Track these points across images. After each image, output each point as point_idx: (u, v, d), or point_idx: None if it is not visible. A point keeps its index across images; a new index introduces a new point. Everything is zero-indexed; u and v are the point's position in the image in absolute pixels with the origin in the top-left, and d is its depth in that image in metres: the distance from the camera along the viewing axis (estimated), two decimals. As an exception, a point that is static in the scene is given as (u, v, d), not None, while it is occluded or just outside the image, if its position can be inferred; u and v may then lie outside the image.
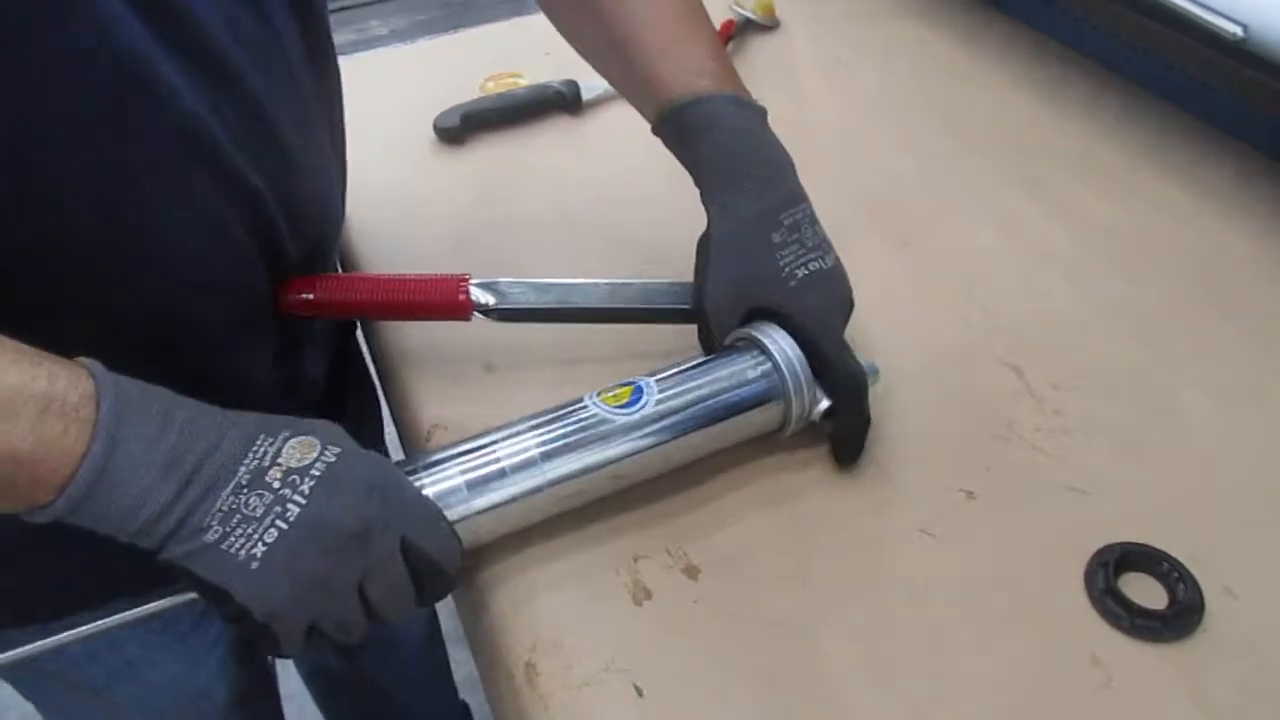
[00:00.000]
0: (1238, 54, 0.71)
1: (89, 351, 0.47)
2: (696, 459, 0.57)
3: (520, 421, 0.54)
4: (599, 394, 0.54)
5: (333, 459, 0.47)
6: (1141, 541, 0.54)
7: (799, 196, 0.59)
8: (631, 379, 0.55)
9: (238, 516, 0.44)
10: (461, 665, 1.24)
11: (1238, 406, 0.62)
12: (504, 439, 0.52)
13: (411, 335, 0.69)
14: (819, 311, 0.56)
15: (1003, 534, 0.56)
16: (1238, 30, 0.70)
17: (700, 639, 0.51)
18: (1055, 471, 0.59)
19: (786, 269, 0.57)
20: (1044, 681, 0.49)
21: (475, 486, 0.51)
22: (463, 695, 1.30)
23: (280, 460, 0.46)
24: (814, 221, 0.59)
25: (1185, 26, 0.74)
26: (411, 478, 0.51)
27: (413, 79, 0.96)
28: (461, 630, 0.62)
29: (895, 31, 1.02)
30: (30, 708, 0.76)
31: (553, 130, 0.89)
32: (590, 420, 0.53)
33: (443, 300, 0.64)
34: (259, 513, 0.44)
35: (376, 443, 0.89)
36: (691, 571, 0.54)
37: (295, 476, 0.45)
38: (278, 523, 0.44)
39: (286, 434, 0.47)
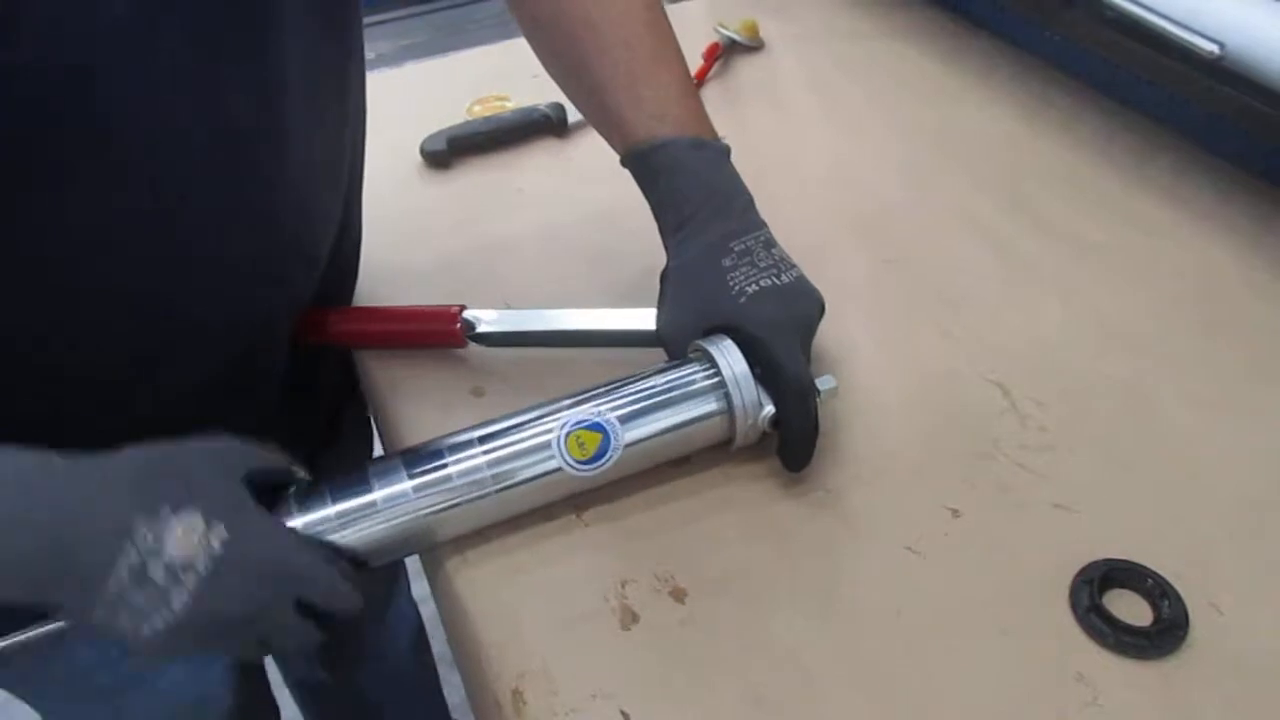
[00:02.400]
0: (1215, 72, 0.72)
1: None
2: (648, 466, 0.58)
3: (473, 429, 0.55)
4: (566, 438, 0.55)
5: (218, 548, 0.46)
6: (1126, 558, 0.54)
7: (752, 225, 0.61)
8: (600, 422, 0.55)
9: (122, 607, 0.45)
10: (457, 688, 1.24)
11: (1222, 421, 0.63)
12: (453, 447, 0.54)
13: (400, 360, 0.69)
14: (769, 322, 0.57)
15: (988, 552, 0.56)
16: (1214, 48, 0.70)
17: (688, 662, 0.51)
18: (1040, 489, 0.59)
19: (736, 287, 0.58)
20: (1030, 700, 0.49)
21: (421, 490, 0.53)
22: (459, 718, 1.30)
23: (163, 552, 0.45)
24: (769, 245, 0.60)
25: (1163, 45, 0.74)
26: (361, 486, 0.53)
27: (399, 103, 0.96)
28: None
29: (878, 51, 1.03)
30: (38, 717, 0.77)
31: (539, 153, 0.90)
32: (548, 468, 0.55)
33: (437, 330, 0.67)
34: (142, 604, 0.45)
35: (366, 456, 0.91)
36: (679, 594, 0.54)
37: (178, 571, 0.45)
38: (164, 613, 0.45)
39: (167, 508, 0.45)
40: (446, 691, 1.23)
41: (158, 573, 0.45)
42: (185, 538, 0.45)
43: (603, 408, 0.56)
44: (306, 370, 0.71)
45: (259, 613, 0.48)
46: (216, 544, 0.46)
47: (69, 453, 0.46)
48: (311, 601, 0.50)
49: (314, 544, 0.51)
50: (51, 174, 0.48)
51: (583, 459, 0.55)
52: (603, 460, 0.55)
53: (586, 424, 0.55)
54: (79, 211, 0.50)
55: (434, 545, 0.56)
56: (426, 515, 0.53)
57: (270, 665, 1.03)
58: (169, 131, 0.50)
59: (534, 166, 0.88)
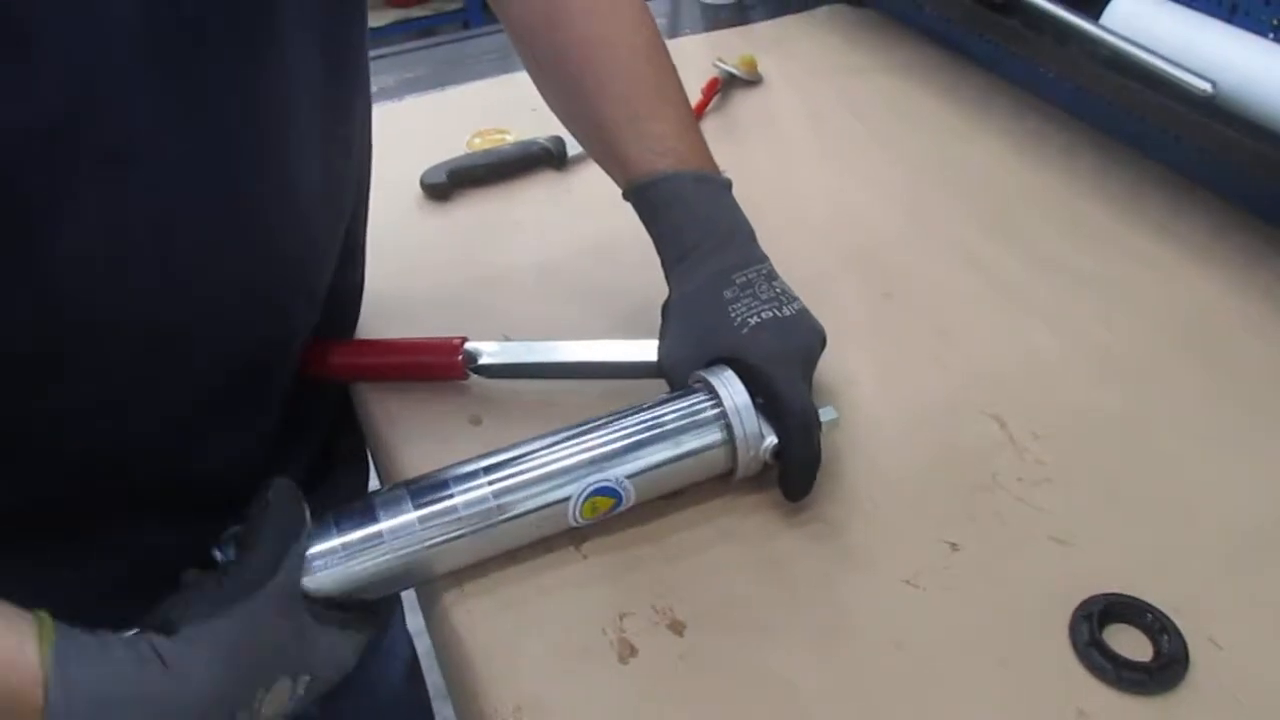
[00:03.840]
0: (1208, 109, 0.73)
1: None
2: (649, 498, 0.58)
3: (477, 460, 0.56)
4: (582, 502, 0.55)
5: (302, 693, 0.49)
6: (1125, 592, 0.54)
7: (754, 259, 0.61)
8: (617, 489, 0.56)
9: None
10: (450, 721, 1.23)
11: (1218, 455, 0.63)
12: (459, 478, 0.54)
13: (397, 392, 0.69)
14: (770, 353, 0.57)
15: (987, 586, 0.56)
16: (1207, 87, 0.71)
17: (686, 696, 0.51)
18: (1038, 522, 0.59)
19: (738, 319, 0.58)
20: (1031, 736, 0.49)
21: (427, 521, 0.53)
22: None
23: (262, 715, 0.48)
24: (772, 278, 0.61)
25: (1157, 83, 0.75)
26: (367, 517, 0.53)
27: (400, 136, 0.97)
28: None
29: (876, 86, 1.04)
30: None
31: (539, 186, 0.90)
32: (554, 499, 0.55)
33: (439, 362, 0.67)
34: None
35: (360, 488, 0.90)
36: (677, 627, 0.54)
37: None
38: None
39: (261, 693, 0.48)
40: (442, 725, 1.22)
41: None
42: (276, 701, 0.48)
43: (608, 447, 0.56)
44: (303, 402, 0.71)
45: None
46: (301, 690, 0.49)
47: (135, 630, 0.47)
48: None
49: (357, 633, 0.53)
50: (56, 201, 0.48)
51: (591, 517, 0.56)
52: (609, 514, 0.57)
53: (603, 490, 0.55)
54: (82, 238, 0.50)
55: (437, 577, 0.56)
56: (432, 546, 0.53)
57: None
58: (171, 160, 0.51)
59: (533, 199, 0.89)
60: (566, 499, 0.55)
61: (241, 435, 0.65)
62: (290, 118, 0.56)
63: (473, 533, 0.54)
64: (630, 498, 0.56)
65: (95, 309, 0.53)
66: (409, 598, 0.68)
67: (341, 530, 0.52)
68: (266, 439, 0.67)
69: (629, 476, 0.56)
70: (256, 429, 0.67)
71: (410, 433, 0.67)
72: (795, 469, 0.57)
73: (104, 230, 0.50)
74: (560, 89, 0.68)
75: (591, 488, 0.55)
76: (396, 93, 1.09)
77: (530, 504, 0.54)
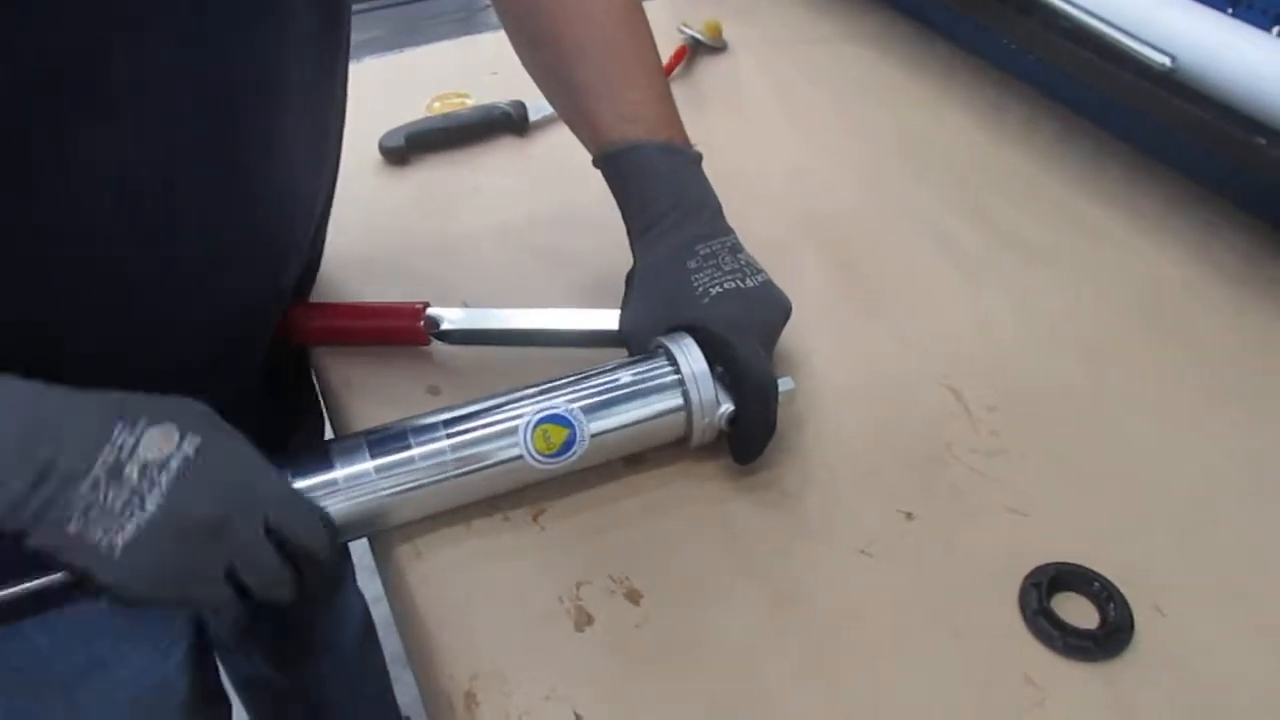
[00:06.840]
0: (1166, 83, 0.73)
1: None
2: (605, 460, 0.59)
3: (438, 413, 0.56)
4: (532, 431, 0.55)
5: (191, 451, 0.47)
6: (1074, 561, 0.55)
7: (719, 231, 0.61)
8: (567, 416, 0.55)
9: (96, 510, 0.45)
10: (410, 687, 1.23)
11: (1169, 427, 0.64)
12: (417, 430, 0.54)
13: (355, 356, 0.69)
14: (730, 322, 0.58)
15: (940, 555, 0.56)
16: (1166, 61, 0.72)
17: (642, 664, 0.51)
18: (992, 492, 0.60)
19: (700, 288, 0.59)
20: (979, 702, 0.50)
21: (383, 470, 0.53)
22: (412, 716, 1.29)
23: (138, 453, 0.46)
24: (736, 251, 0.61)
25: (1117, 56, 0.76)
26: (323, 464, 0.53)
27: (358, 99, 0.94)
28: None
29: (840, 55, 1.03)
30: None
31: (499, 151, 0.89)
32: (511, 454, 0.55)
33: (400, 327, 0.67)
34: (117, 507, 0.45)
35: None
36: (634, 596, 0.54)
37: (153, 470, 0.46)
38: (135, 515, 0.45)
39: (145, 421, 0.47)
40: (399, 690, 1.22)
41: (133, 472, 0.46)
42: (162, 441, 0.46)
43: (564, 400, 0.56)
44: (275, 363, 0.70)
45: (228, 518, 0.48)
46: (190, 448, 0.47)
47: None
48: (281, 528, 0.49)
49: (287, 477, 0.52)
50: (59, 146, 0.47)
51: (547, 452, 0.55)
52: (568, 454, 0.55)
53: (552, 418, 0.55)
54: (82, 191, 0.49)
55: (393, 526, 0.56)
56: (387, 496, 0.53)
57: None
58: (174, 107, 0.50)
59: (493, 165, 0.88)
60: (518, 439, 0.55)
61: (228, 389, 0.64)
62: (284, 65, 0.55)
63: (428, 485, 0.54)
64: (584, 431, 0.55)
65: (96, 255, 0.52)
66: (364, 561, 0.68)
67: (297, 475, 0.52)
68: (248, 394, 0.67)
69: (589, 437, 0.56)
70: (242, 384, 0.66)
71: (368, 397, 0.66)
72: (749, 436, 0.57)
73: (106, 176, 0.50)
74: (536, 50, 0.67)
75: (541, 415, 0.55)
76: (354, 54, 1.06)
77: (489, 459, 0.54)
